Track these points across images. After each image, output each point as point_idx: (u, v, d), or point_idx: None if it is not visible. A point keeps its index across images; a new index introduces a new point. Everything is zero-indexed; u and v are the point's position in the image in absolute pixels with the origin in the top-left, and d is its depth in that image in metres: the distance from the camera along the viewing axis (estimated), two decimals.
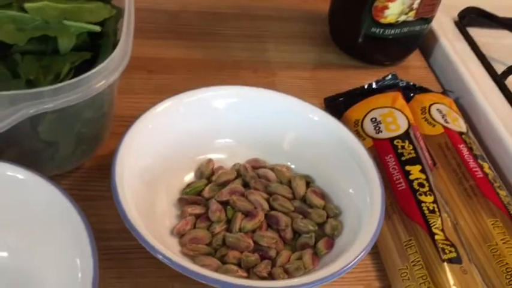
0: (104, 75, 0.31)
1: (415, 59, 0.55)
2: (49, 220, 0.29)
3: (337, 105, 0.45)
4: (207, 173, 0.37)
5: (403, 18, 0.48)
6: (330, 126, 0.37)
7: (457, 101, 0.48)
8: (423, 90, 0.47)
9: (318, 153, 0.37)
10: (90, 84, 0.30)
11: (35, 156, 0.33)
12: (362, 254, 0.30)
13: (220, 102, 0.37)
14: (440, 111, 0.44)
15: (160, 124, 0.35)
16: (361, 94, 0.45)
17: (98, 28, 0.34)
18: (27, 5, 0.33)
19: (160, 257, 0.28)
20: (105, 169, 0.38)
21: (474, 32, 0.57)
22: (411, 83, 0.47)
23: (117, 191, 0.30)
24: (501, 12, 0.58)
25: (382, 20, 0.48)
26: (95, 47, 0.35)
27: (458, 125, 0.43)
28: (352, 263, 0.30)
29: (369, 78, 0.51)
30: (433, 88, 0.49)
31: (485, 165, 0.40)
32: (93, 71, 0.30)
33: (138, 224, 0.29)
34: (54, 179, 0.35)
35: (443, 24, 0.57)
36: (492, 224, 0.35)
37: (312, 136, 0.37)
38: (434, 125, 0.42)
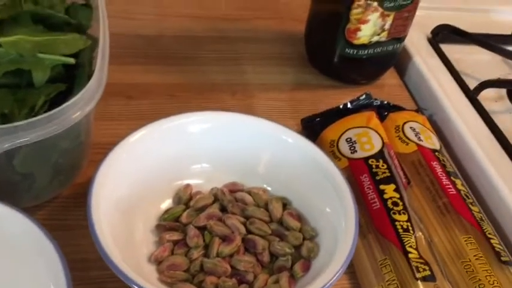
0: (79, 107, 0.32)
1: (390, 77, 0.56)
2: (23, 252, 0.29)
3: (314, 126, 0.46)
4: (185, 198, 0.38)
5: (375, 38, 0.49)
6: (304, 148, 0.38)
7: (430, 118, 0.49)
8: (397, 108, 0.48)
9: (294, 175, 0.38)
10: (65, 116, 0.31)
11: (12, 188, 0.33)
12: (337, 275, 0.31)
13: (195, 127, 0.38)
14: (413, 129, 0.44)
15: (136, 152, 0.36)
16: (336, 114, 0.46)
17: (72, 60, 0.34)
18: (1, 40, 0.33)
19: (135, 287, 0.28)
20: (82, 197, 0.38)
21: (447, 48, 0.59)
22: (385, 102, 0.48)
23: (93, 220, 0.31)
24: (472, 29, 0.60)
25: (356, 41, 0.49)
26: (70, 77, 0.36)
27: (432, 142, 0.44)
28: (328, 284, 0.30)
29: (345, 97, 0.52)
30: (408, 106, 0.50)
31: (458, 182, 0.41)
32: (68, 103, 0.31)
33: (113, 253, 0.29)
34: (31, 209, 0.35)
35: (416, 42, 0.58)
36: (465, 241, 0.36)
37: (286, 158, 0.38)
38: (407, 143, 0.43)
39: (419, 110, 0.49)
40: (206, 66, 0.53)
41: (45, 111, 0.32)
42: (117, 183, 0.34)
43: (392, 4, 0.47)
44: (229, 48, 0.56)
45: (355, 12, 0.47)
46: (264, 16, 0.62)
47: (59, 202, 0.38)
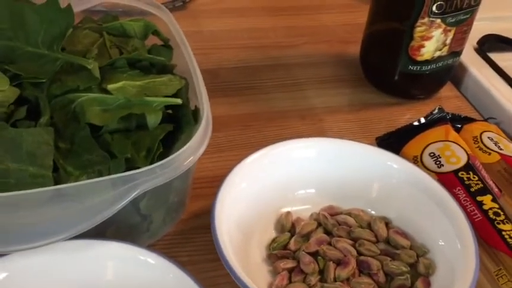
0: (195, 148, 0.32)
1: (446, 90, 0.57)
2: None
3: (391, 144, 0.46)
4: (288, 226, 0.38)
5: (438, 54, 0.50)
6: (408, 172, 0.38)
7: (498, 127, 0.50)
8: (468, 120, 0.49)
9: (395, 196, 0.39)
10: (182, 160, 0.31)
11: (133, 230, 0.34)
12: None
13: (300, 153, 0.39)
14: (491, 139, 0.45)
15: (249, 176, 0.37)
16: (412, 130, 0.47)
17: (179, 101, 0.35)
18: (109, 86, 0.35)
19: None
20: (189, 233, 0.39)
21: (494, 56, 0.60)
22: (456, 114, 0.49)
23: (224, 254, 0.31)
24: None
25: (419, 58, 0.50)
26: (170, 116, 0.37)
27: (511, 150, 0.45)
28: None
29: (408, 113, 0.54)
30: (472, 116, 0.51)
31: None
32: (187, 146, 0.31)
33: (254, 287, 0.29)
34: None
35: (466, 54, 0.60)
36: None
37: (389, 181, 0.39)
38: (489, 153, 0.44)
39: (488, 120, 0.50)
40: (270, 94, 0.55)
41: (160, 153, 0.34)
42: (233, 211, 0.35)
43: (454, 19, 0.48)
44: (287, 74, 0.58)
45: (419, 30, 0.48)
46: (312, 41, 0.63)
47: (168, 240, 0.38)
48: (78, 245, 0.29)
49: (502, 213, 0.38)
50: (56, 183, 0.30)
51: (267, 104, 0.53)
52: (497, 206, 0.38)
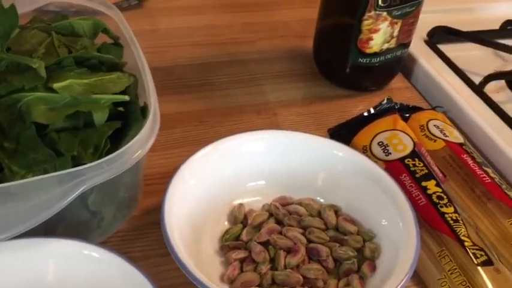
0: (141, 144, 0.33)
1: (397, 81, 0.59)
2: None
3: (342, 135, 0.48)
4: (241, 218, 0.39)
5: (386, 46, 0.52)
6: (353, 160, 0.40)
7: (445, 115, 0.52)
8: (416, 109, 0.50)
9: (343, 184, 0.40)
10: (130, 155, 0.32)
11: (83, 227, 0.34)
12: (407, 275, 0.32)
13: (249, 146, 0.40)
14: (437, 127, 0.47)
15: (199, 171, 0.37)
16: (362, 121, 0.48)
17: (126, 97, 0.36)
18: (55, 85, 0.35)
19: None
20: (141, 229, 0.40)
21: (443, 48, 0.62)
22: (405, 104, 0.50)
23: (174, 248, 0.32)
24: (462, 27, 0.64)
25: (368, 50, 0.52)
26: (120, 113, 0.37)
27: (456, 137, 0.47)
28: (402, 283, 0.32)
29: (360, 104, 0.55)
30: (422, 106, 0.53)
31: (489, 171, 0.43)
32: (134, 140, 0.32)
33: (204, 278, 0.30)
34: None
35: (416, 45, 0.61)
36: (511, 224, 0.39)
37: (335, 170, 0.40)
38: (435, 140, 0.46)
39: (435, 109, 0.52)
40: (226, 90, 0.55)
41: (108, 149, 0.34)
42: (184, 206, 0.35)
43: (399, 12, 0.50)
44: (243, 70, 0.58)
45: (366, 23, 0.50)
46: (268, 37, 0.64)
47: (121, 236, 0.38)
48: (21, 244, 0.29)
49: (445, 197, 0.40)
50: (1, 183, 0.30)
51: (222, 100, 0.54)
52: (440, 190, 0.40)
